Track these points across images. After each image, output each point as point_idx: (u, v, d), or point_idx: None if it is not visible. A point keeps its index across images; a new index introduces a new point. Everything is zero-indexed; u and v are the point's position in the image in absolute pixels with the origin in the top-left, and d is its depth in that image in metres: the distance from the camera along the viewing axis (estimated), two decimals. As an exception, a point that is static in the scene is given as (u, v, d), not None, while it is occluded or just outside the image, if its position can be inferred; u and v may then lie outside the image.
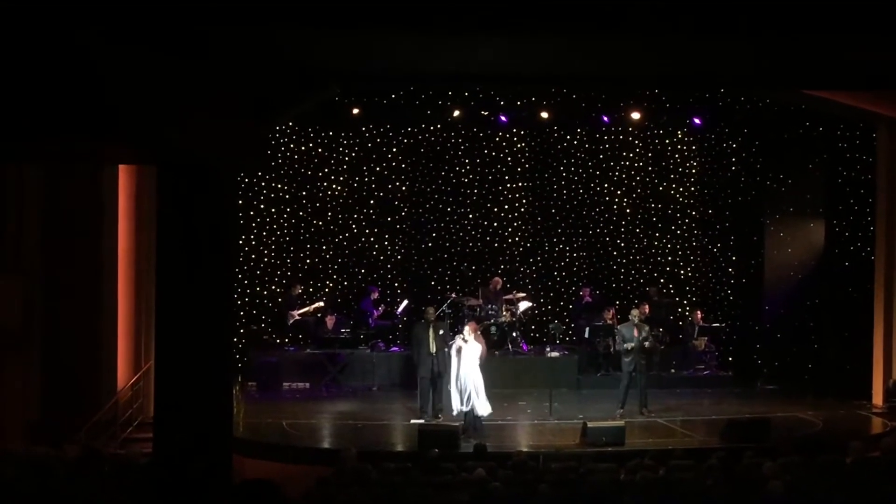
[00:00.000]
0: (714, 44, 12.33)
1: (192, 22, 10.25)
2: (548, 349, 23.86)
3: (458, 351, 18.56)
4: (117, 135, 10.77)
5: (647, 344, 19.91)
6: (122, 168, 20.43)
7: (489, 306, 24.02)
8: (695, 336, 24.30)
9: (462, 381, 18.42)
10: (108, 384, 20.34)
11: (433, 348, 19.41)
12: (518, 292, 24.71)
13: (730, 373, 24.36)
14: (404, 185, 25.48)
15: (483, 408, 18.47)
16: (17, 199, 19.95)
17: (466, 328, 18.89)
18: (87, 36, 9.99)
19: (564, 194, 25.96)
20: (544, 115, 24.72)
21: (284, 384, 23.01)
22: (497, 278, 24.70)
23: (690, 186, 26.03)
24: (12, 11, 9.62)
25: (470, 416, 18.36)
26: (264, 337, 24.13)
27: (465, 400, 18.37)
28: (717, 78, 16.60)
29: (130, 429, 19.68)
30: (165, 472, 12.40)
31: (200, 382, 12.22)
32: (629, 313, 20.73)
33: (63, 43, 9.90)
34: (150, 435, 15.56)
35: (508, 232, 25.90)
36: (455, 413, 18.54)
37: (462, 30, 11.24)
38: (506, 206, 25.84)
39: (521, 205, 25.90)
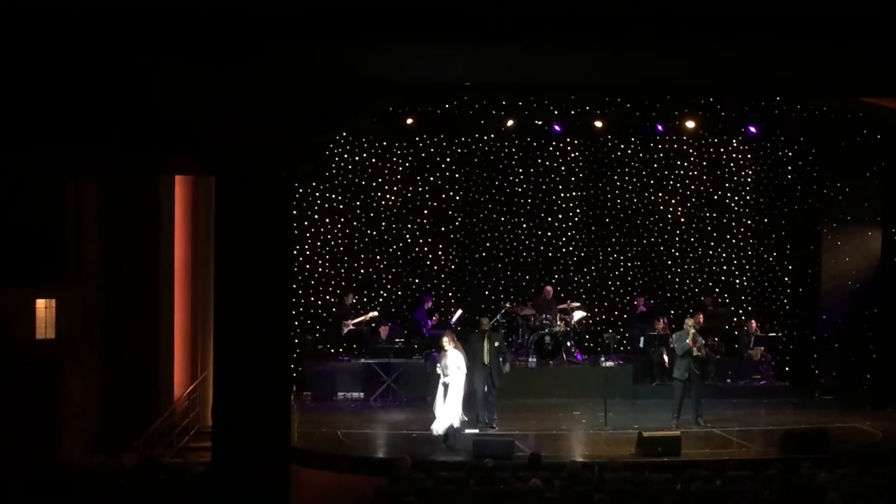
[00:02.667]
0: (770, 52, 12.30)
1: (251, 39, 10.38)
2: (602, 359, 23.69)
3: (442, 367, 18.54)
4: (180, 146, 10.94)
5: (700, 353, 19.80)
6: (178, 179, 20.65)
7: (543, 316, 23.97)
8: (751, 346, 24.11)
9: (451, 394, 18.38)
10: (166, 394, 20.57)
11: (487, 359, 19.38)
12: (572, 302, 24.66)
13: (786, 383, 24.14)
14: (458, 194, 25.49)
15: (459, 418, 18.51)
16: (76, 211, 20.23)
17: (444, 339, 18.82)
18: (151, 54, 10.16)
19: (618, 203, 25.86)
20: (598, 124, 24.67)
21: (339, 394, 23.09)
22: (549, 287, 24.65)
23: (746, 195, 25.83)
24: (83, 36, 9.83)
25: (452, 428, 18.31)
26: (318, 347, 24.20)
27: (457, 413, 18.33)
28: (774, 86, 16.53)
29: (187, 438, 19.86)
30: (223, 481, 12.50)
31: (258, 392, 12.30)
32: (683, 322, 20.61)
33: (128, 60, 10.08)
34: (207, 444, 15.71)
35: (562, 241, 25.83)
36: (450, 426, 18.35)
37: (510, 40, 11.30)
38: (560, 216, 25.78)
39: (576, 214, 25.84)
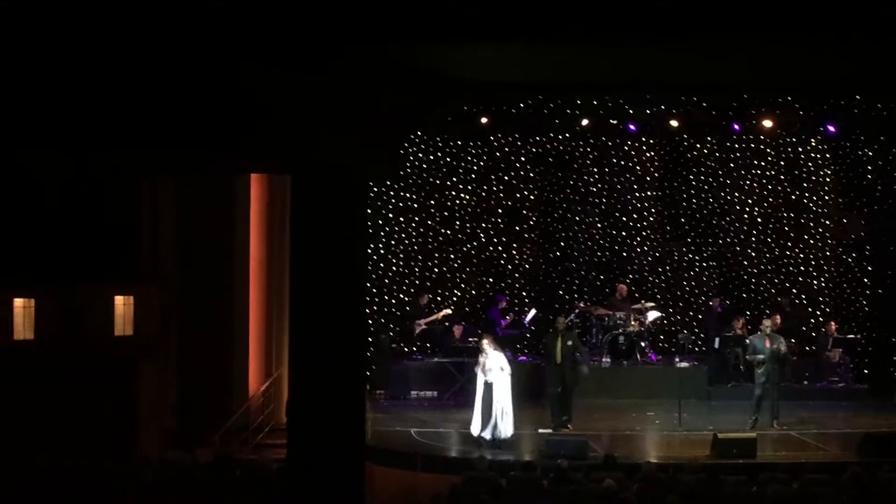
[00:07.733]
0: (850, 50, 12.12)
1: (329, 39, 10.45)
2: (677, 359, 23.58)
3: (483, 368, 18.18)
4: (256, 147, 11.03)
5: (782, 353, 19.61)
6: (253, 178, 20.82)
7: (617, 315, 23.86)
8: (829, 347, 23.78)
9: (493, 401, 17.96)
10: (241, 391, 20.73)
11: (559, 358, 19.32)
12: (647, 302, 24.51)
13: (865, 385, 23.79)
14: (532, 193, 25.45)
15: (508, 429, 18.04)
16: (152, 210, 20.48)
17: (484, 341, 18.58)
18: (237, 57, 10.29)
19: (694, 203, 25.64)
20: (674, 123, 24.46)
21: (412, 393, 23.17)
22: (622, 285, 24.54)
23: (824, 195, 25.48)
24: (176, 40, 9.99)
25: (488, 438, 18.00)
26: (392, 345, 24.29)
27: (494, 421, 17.89)
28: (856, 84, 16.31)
29: (262, 435, 20.01)
30: (298, 478, 12.56)
31: (333, 389, 12.36)
32: (760, 324, 20.40)
33: (215, 64, 10.21)
34: (281, 441, 15.84)
35: (637, 241, 25.66)
36: (487, 436, 18.04)
37: (592, 39, 11.25)
38: (634, 215, 25.62)
39: (651, 214, 25.67)
